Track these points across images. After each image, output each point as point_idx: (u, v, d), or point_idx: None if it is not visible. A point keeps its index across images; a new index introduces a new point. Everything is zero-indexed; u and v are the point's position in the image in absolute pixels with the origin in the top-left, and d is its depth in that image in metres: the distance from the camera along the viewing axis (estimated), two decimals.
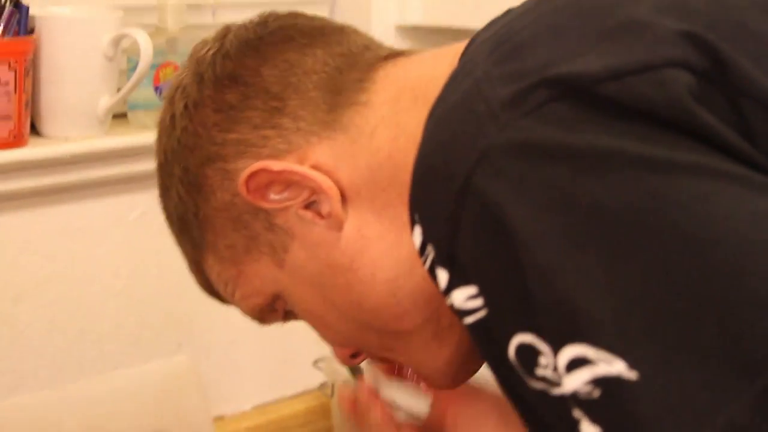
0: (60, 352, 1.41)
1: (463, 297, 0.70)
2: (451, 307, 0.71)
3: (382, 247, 0.82)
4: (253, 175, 0.83)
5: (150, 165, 1.40)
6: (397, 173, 0.81)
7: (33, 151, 1.32)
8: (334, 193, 0.82)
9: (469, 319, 0.70)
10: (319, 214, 0.83)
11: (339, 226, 0.83)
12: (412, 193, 0.74)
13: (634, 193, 0.65)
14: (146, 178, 1.43)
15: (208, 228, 0.87)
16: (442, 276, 0.71)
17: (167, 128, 0.88)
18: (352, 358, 0.92)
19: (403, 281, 0.82)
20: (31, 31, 1.31)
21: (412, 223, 0.74)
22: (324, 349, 1.58)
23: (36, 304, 1.38)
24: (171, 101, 0.88)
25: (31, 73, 1.31)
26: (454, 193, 0.69)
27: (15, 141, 1.30)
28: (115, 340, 1.46)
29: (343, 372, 1.60)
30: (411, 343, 0.86)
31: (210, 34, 0.89)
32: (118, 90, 1.39)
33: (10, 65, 1.27)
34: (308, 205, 0.83)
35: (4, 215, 1.34)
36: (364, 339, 0.87)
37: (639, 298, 0.63)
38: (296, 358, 1.62)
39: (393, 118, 0.82)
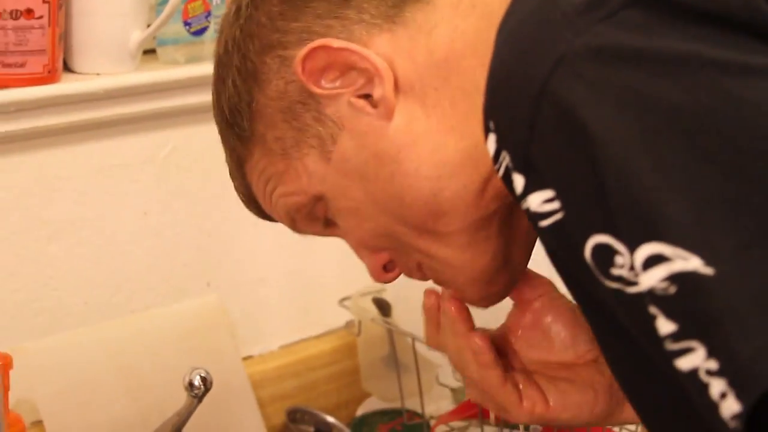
0: (92, 291, 1.40)
1: (539, 201, 0.72)
2: (527, 211, 0.73)
3: (429, 145, 0.83)
4: (311, 53, 0.83)
5: (181, 100, 1.40)
6: (450, 75, 0.83)
7: (68, 86, 1.29)
8: (389, 77, 0.83)
9: (545, 223, 0.72)
10: (371, 103, 0.84)
11: (389, 115, 0.83)
12: (486, 101, 0.76)
13: (710, 95, 0.66)
14: (177, 114, 1.42)
15: (259, 119, 0.88)
16: (518, 181, 0.73)
17: (231, 20, 0.89)
18: (385, 271, 0.93)
19: (445, 184, 0.83)
20: None
21: (486, 132, 0.76)
22: (350, 287, 1.58)
23: (69, 242, 1.36)
24: None
25: (64, 6, 1.28)
26: (530, 98, 0.71)
27: (49, 76, 1.27)
28: (145, 279, 1.44)
29: (370, 309, 1.60)
30: (446, 247, 0.87)
31: None
32: (148, 26, 1.37)
33: None
34: (360, 94, 0.84)
35: (39, 152, 1.31)
36: (400, 237, 0.88)
37: (715, 195, 0.65)
38: (322, 298, 1.62)
39: (452, 20, 0.83)
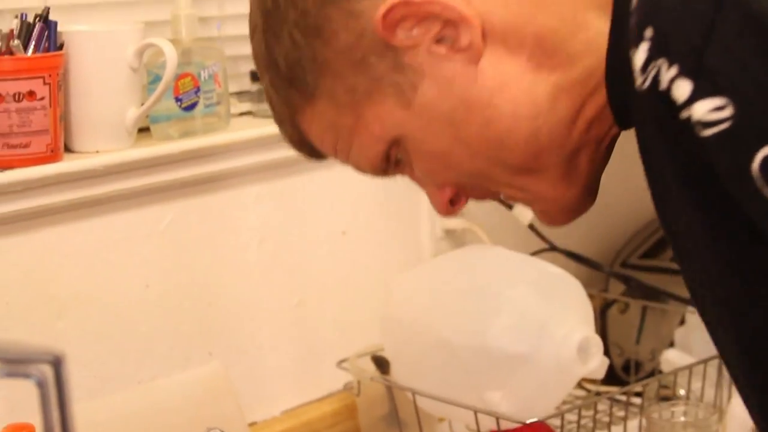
0: (101, 364, 1.42)
1: (707, 108, 0.72)
2: (689, 119, 0.73)
3: (522, 85, 0.84)
4: (391, 9, 0.82)
5: (177, 174, 1.44)
6: (537, 15, 0.83)
7: (70, 164, 1.33)
8: (477, 21, 0.82)
9: (709, 132, 0.72)
10: (453, 48, 0.83)
11: (476, 60, 0.83)
12: (642, 10, 0.75)
13: None
14: (173, 188, 1.46)
15: (327, 72, 0.86)
16: (684, 87, 0.73)
17: None
18: (451, 204, 0.92)
19: (543, 120, 0.84)
20: (60, 47, 1.32)
21: (637, 41, 0.75)
22: (347, 350, 1.61)
23: (76, 318, 1.39)
24: None
25: (63, 87, 1.32)
26: (709, 5, 0.71)
27: (53, 155, 1.31)
28: (150, 350, 1.47)
29: (368, 369, 1.63)
30: (540, 181, 0.88)
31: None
32: (142, 104, 1.41)
33: (44, 80, 1.28)
34: (439, 41, 0.83)
35: (43, 230, 1.34)
36: (489, 176, 0.88)
37: None
38: (320, 361, 1.64)
39: None
